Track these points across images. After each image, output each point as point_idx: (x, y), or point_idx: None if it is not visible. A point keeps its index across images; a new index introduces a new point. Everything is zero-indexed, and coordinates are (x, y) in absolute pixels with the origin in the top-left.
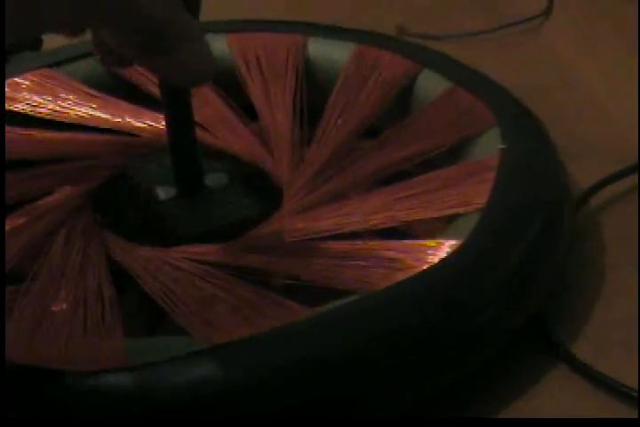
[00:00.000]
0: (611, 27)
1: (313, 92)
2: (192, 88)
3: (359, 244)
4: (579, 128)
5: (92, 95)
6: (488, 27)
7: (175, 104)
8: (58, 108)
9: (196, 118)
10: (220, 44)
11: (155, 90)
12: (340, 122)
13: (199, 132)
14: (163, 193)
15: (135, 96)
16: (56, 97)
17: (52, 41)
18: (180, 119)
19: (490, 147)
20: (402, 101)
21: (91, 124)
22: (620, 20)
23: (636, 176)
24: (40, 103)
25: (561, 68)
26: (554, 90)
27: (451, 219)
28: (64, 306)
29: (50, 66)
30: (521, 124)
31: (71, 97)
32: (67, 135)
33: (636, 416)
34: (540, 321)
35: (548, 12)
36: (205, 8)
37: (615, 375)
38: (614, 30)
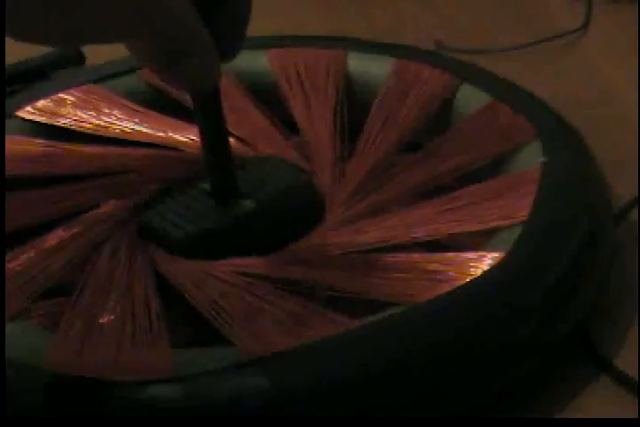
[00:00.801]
0: None
1: (353, 106)
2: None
3: (402, 256)
4: (617, 141)
5: (134, 110)
6: (526, 41)
7: (208, 119)
8: (102, 124)
9: (239, 134)
10: (260, 60)
11: None
12: (380, 136)
13: (241, 147)
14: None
15: (177, 111)
16: (100, 112)
17: (95, 57)
18: (213, 131)
19: (531, 160)
20: (442, 116)
21: (134, 139)
22: None
23: None
24: (84, 118)
25: (599, 81)
26: (592, 103)
27: (493, 232)
28: (112, 318)
29: (93, 81)
30: (561, 137)
31: (115, 112)
32: (110, 150)
33: None
34: (583, 334)
35: (585, 27)
36: None
37: None
38: None
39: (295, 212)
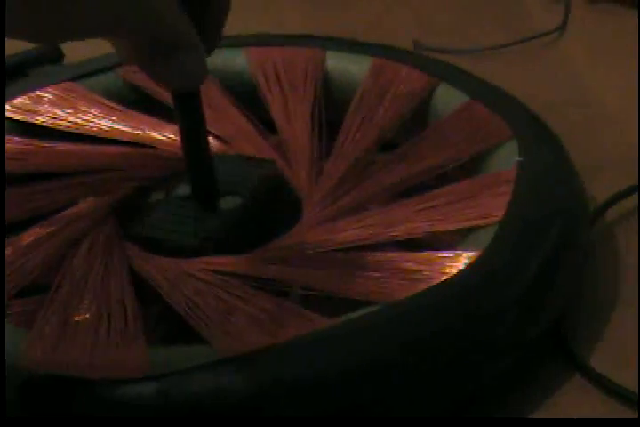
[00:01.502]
0: (626, 41)
1: (331, 105)
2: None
3: (378, 255)
4: (594, 142)
5: (112, 108)
6: (504, 41)
7: (188, 117)
8: (79, 121)
9: (216, 132)
10: (239, 59)
11: None
12: (358, 135)
13: (219, 146)
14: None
15: (155, 109)
16: (77, 110)
17: (73, 54)
18: (194, 131)
19: (507, 160)
20: (419, 115)
21: (111, 137)
22: (635, 35)
23: None
24: (61, 116)
25: (576, 82)
26: (569, 104)
27: (469, 231)
28: (87, 316)
29: (71, 79)
30: (537, 137)
31: (92, 110)
32: (88, 148)
33: None
34: (556, 332)
35: (563, 27)
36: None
37: (632, 387)
38: (629, 45)
39: (276, 204)
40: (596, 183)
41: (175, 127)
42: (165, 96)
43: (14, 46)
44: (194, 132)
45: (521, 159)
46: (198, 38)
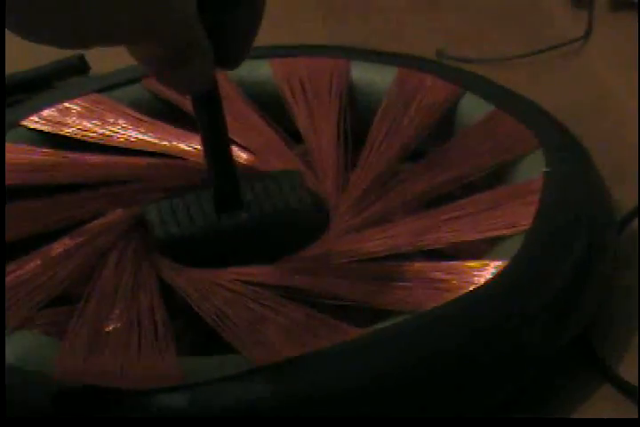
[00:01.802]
0: None
1: (357, 115)
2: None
3: (405, 265)
4: (620, 150)
5: (139, 119)
6: (527, 50)
7: (210, 125)
8: (106, 133)
9: (242, 142)
10: (264, 69)
11: None
12: (384, 145)
13: (244, 156)
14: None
15: (181, 120)
16: (104, 121)
17: (99, 66)
18: (216, 141)
19: (533, 170)
20: (444, 124)
21: (139, 148)
22: None
23: None
24: (89, 128)
25: (601, 90)
26: (594, 112)
27: (496, 241)
28: (118, 326)
29: (98, 91)
30: (563, 146)
31: (119, 121)
32: (115, 159)
33: None
34: (585, 342)
35: (587, 35)
36: None
37: None
38: None
39: (292, 231)
40: (623, 191)
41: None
42: (192, 107)
43: (41, 58)
44: (215, 138)
45: (547, 169)
46: (210, 45)
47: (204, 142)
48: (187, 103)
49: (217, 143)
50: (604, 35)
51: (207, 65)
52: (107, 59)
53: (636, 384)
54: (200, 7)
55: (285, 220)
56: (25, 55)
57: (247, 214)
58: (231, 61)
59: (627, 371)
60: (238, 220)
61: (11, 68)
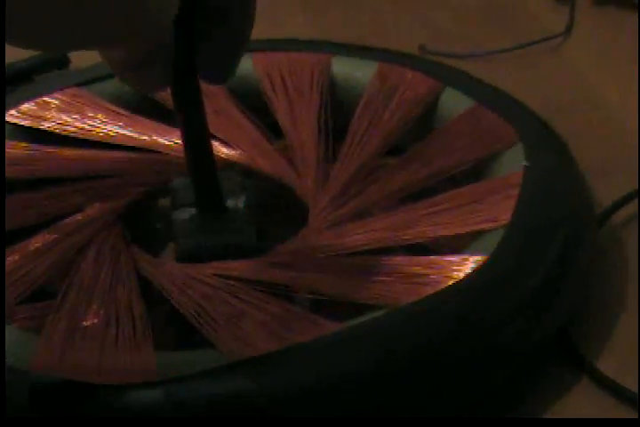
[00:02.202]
0: (630, 44)
1: (337, 110)
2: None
3: (385, 259)
4: (600, 145)
5: (119, 114)
6: (509, 45)
7: (190, 120)
8: (86, 127)
9: (222, 137)
10: (244, 63)
11: None
12: (364, 139)
13: (225, 151)
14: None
15: (162, 114)
16: (84, 116)
17: (79, 60)
18: (196, 135)
19: (513, 164)
20: (425, 119)
21: (118, 143)
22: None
23: None
24: (68, 122)
25: (582, 85)
26: (575, 107)
27: (475, 235)
28: (95, 321)
29: (78, 85)
30: (543, 141)
31: (99, 115)
32: (95, 153)
33: None
34: (564, 336)
35: (569, 30)
36: None
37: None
38: (635, 47)
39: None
40: (603, 186)
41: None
42: (171, 101)
43: (21, 52)
44: (195, 128)
45: (527, 163)
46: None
47: (184, 136)
48: (166, 97)
49: (196, 137)
50: (585, 30)
51: (169, 65)
52: (86, 53)
53: (615, 378)
54: (182, 23)
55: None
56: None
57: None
58: (218, 77)
59: (606, 366)
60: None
61: None
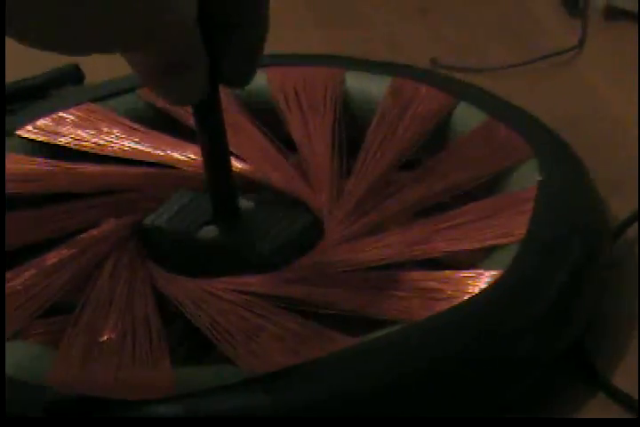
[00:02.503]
0: None
1: (351, 124)
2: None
3: (400, 274)
4: (614, 158)
5: (134, 129)
6: (522, 59)
7: (210, 135)
8: (102, 142)
9: (236, 151)
10: (259, 78)
11: None
12: (378, 154)
13: (240, 166)
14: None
15: (176, 129)
16: (99, 131)
17: (95, 75)
18: (216, 151)
19: (527, 178)
20: (439, 134)
21: (133, 158)
22: None
23: None
24: (84, 137)
25: (595, 99)
26: (589, 121)
27: (490, 250)
28: (112, 336)
29: (92, 100)
30: (557, 155)
31: (114, 131)
32: (110, 168)
33: None
34: (579, 351)
35: (581, 44)
36: None
37: None
38: None
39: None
40: (618, 200)
41: (196, 147)
42: (186, 117)
43: (36, 67)
44: (214, 144)
45: (541, 178)
46: (207, 57)
47: (203, 151)
48: (181, 113)
49: (216, 153)
50: (598, 44)
51: (202, 77)
52: (101, 68)
53: (630, 393)
54: (202, 24)
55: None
56: (19, 64)
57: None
58: (238, 79)
59: (621, 380)
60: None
61: (7, 77)
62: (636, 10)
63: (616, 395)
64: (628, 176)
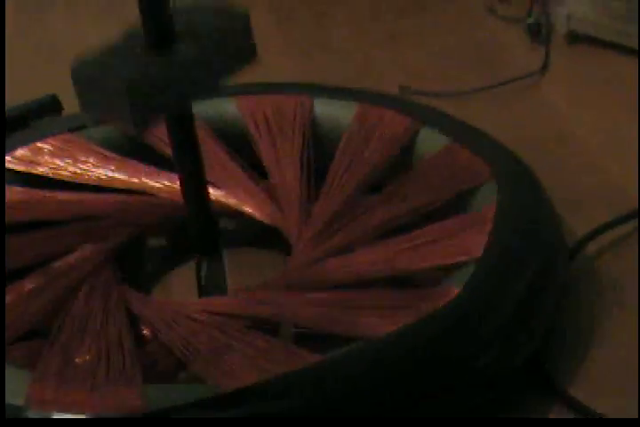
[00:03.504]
0: (603, 80)
1: (320, 149)
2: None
3: (363, 293)
4: (575, 180)
5: (110, 158)
6: (488, 83)
7: (187, 160)
8: (78, 171)
9: (209, 178)
10: (230, 106)
11: (168, 150)
12: (344, 178)
13: (212, 192)
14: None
15: (151, 157)
16: (76, 160)
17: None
18: (193, 177)
19: (486, 200)
20: (403, 157)
21: (109, 186)
22: (613, 76)
23: (630, 224)
24: (61, 166)
25: (557, 121)
26: (550, 143)
27: (451, 268)
28: (87, 357)
29: (70, 130)
30: (516, 177)
31: (90, 159)
32: (86, 196)
33: None
34: (537, 363)
35: (544, 69)
36: None
37: (610, 414)
38: (606, 84)
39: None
40: (576, 218)
41: (170, 175)
42: (161, 145)
43: (15, 98)
44: (188, 158)
45: (499, 199)
46: None
47: (178, 167)
48: (155, 141)
49: (191, 169)
50: (560, 68)
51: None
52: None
53: (586, 402)
54: None
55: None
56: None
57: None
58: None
59: (577, 389)
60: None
61: None
62: (597, 34)
63: (573, 404)
64: (587, 194)
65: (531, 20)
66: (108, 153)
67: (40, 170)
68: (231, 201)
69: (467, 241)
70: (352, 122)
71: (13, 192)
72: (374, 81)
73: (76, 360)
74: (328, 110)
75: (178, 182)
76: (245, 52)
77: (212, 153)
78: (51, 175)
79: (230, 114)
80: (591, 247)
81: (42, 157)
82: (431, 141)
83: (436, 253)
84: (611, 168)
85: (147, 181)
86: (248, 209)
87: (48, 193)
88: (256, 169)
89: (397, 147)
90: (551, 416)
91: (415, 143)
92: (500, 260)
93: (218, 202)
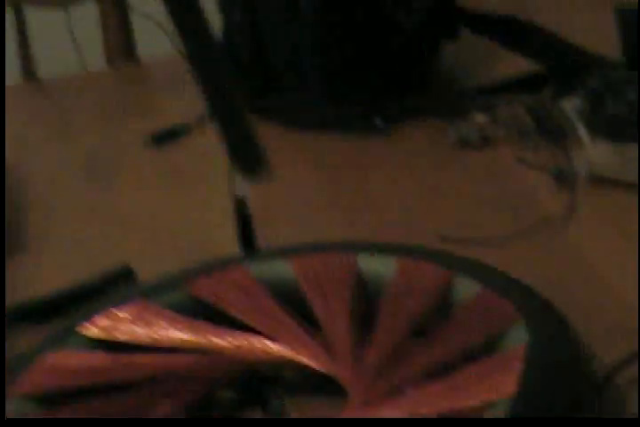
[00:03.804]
0: (629, 223)
1: (366, 302)
2: None
3: None
4: (604, 317)
5: (179, 321)
6: (517, 228)
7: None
8: (154, 336)
9: (266, 332)
10: (286, 267)
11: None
12: (391, 326)
13: (270, 346)
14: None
15: (219, 319)
16: (151, 326)
17: (145, 272)
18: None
19: (516, 340)
20: (442, 304)
21: (182, 347)
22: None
23: None
24: (137, 332)
25: (584, 266)
26: (578, 284)
27: (487, 406)
28: None
29: (143, 297)
30: (544, 319)
31: (163, 324)
32: (162, 358)
33: None
34: None
35: (571, 213)
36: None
37: None
38: (633, 226)
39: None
40: (606, 350)
41: (235, 333)
42: (228, 308)
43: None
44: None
45: (529, 340)
46: None
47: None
48: (225, 306)
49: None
50: (585, 211)
51: None
52: (150, 265)
53: None
54: None
55: None
56: (76, 270)
57: None
58: None
59: None
60: None
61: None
62: (621, 177)
63: None
64: (615, 338)
65: (555, 166)
66: (180, 318)
67: (119, 337)
68: (287, 353)
69: (500, 380)
70: (394, 275)
71: (96, 359)
72: (413, 229)
73: None
74: (371, 266)
75: (243, 341)
76: None
77: (272, 312)
78: (129, 342)
79: (285, 273)
80: (619, 378)
81: (120, 324)
82: (465, 289)
83: (474, 392)
84: (634, 305)
85: (216, 341)
86: (303, 360)
87: (126, 357)
88: (310, 322)
89: (436, 296)
90: None
91: (451, 291)
92: (530, 397)
93: (277, 355)
